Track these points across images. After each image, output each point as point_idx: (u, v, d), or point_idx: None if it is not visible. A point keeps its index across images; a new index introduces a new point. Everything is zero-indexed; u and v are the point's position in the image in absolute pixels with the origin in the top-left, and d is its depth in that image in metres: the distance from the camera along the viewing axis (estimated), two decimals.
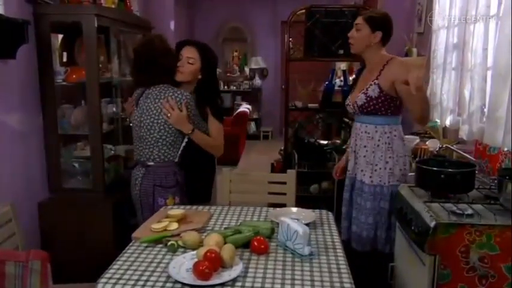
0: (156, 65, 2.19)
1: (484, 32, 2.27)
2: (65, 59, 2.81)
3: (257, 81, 8.56)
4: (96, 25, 2.46)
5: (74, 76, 2.62)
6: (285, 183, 2.44)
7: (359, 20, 2.29)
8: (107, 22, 2.63)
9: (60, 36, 2.81)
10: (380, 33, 2.25)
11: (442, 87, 2.89)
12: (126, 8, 3.20)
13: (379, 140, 2.26)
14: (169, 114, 2.15)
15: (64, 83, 2.61)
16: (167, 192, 2.22)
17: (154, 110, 2.19)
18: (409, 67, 2.13)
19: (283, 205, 2.31)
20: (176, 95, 2.18)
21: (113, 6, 2.96)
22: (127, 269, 1.49)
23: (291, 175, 2.44)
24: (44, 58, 2.50)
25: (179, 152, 2.27)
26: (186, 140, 2.26)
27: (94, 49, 2.50)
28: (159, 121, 2.19)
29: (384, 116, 2.25)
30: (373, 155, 2.26)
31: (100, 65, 2.69)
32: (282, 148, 4.36)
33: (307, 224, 1.76)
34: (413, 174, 2.08)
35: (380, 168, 2.25)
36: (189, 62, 2.29)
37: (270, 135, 8.60)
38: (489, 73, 2.25)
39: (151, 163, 2.24)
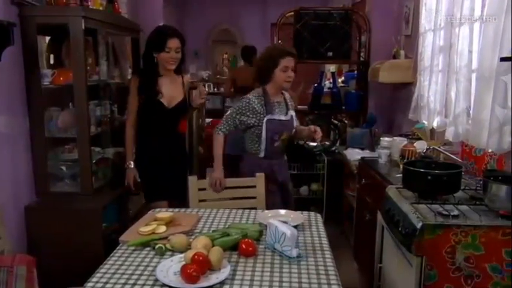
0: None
1: (469, 34, 2.30)
2: (52, 61, 2.79)
3: None
4: (83, 27, 2.44)
5: (61, 78, 2.59)
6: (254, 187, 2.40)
7: None
8: (94, 24, 2.61)
9: (48, 38, 2.79)
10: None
11: (429, 89, 2.92)
12: (114, 10, 3.18)
13: None
14: None
15: (51, 86, 2.58)
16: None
17: None
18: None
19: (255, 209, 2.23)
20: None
21: (101, 8, 2.95)
22: (114, 273, 1.48)
23: (259, 179, 2.42)
24: (30, 60, 2.48)
25: (262, 147, 2.50)
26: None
27: (81, 51, 2.48)
28: None
29: None
30: None
31: (88, 67, 2.68)
32: None
33: (295, 226, 1.76)
34: (400, 175, 2.09)
35: None
36: (176, 51, 2.59)
37: None
38: (474, 75, 2.28)
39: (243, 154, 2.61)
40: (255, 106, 2.47)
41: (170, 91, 2.67)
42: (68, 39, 2.52)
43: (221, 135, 2.52)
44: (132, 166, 2.70)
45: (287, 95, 2.67)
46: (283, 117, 2.54)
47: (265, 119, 2.46)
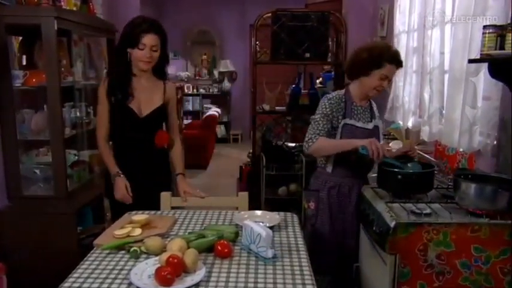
0: None
1: (440, 36, 2.35)
2: (24, 62, 2.72)
3: (226, 84, 8.54)
4: (56, 28, 2.39)
5: (34, 80, 2.54)
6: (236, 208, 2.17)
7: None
8: (68, 25, 2.57)
9: (20, 38, 2.73)
10: None
11: (404, 90, 2.97)
12: (89, 11, 3.14)
13: None
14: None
15: (23, 87, 2.52)
16: (306, 196, 2.31)
17: None
18: None
19: None
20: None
21: (75, 8, 2.90)
22: (87, 277, 1.45)
23: (242, 198, 2.19)
24: (0, 61, 2.41)
25: (331, 159, 2.16)
26: None
27: (54, 52, 2.44)
28: None
29: None
30: None
31: (62, 69, 2.63)
32: (251, 151, 4.38)
33: (271, 227, 1.76)
34: (375, 175, 2.12)
35: None
36: (153, 49, 2.17)
37: (239, 138, 8.60)
38: (446, 76, 2.33)
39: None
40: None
41: (145, 97, 2.26)
42: (41, 39, 2.47)
43: None
44: (121, 176, 2.22)
45: (374, 103, 2.30)
46: (363, 125, 2.16)
47: (342, 123, 2.12)
